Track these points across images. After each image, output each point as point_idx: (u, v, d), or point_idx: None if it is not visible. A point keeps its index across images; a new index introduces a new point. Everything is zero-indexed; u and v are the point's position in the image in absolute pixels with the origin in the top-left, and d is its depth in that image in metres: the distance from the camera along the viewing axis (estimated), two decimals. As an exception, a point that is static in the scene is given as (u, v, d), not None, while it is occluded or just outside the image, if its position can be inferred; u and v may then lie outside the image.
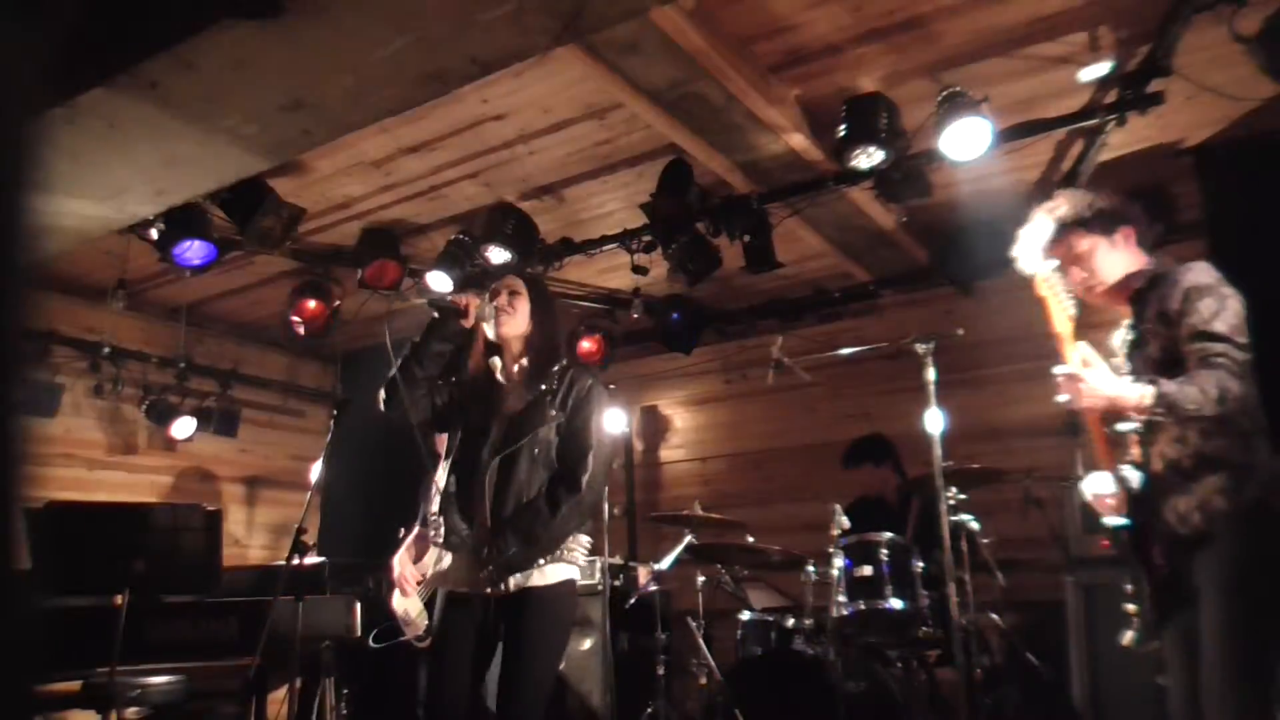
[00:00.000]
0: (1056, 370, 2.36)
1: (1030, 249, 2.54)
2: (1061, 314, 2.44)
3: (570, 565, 2.76)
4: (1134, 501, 2.35)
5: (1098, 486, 2.47)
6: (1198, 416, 2.16)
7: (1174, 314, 2.28)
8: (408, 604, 3.02)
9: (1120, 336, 2.51)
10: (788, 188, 4.37)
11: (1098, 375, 2.32)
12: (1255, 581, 2.14)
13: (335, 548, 5.62)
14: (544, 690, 2.67)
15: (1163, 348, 2.31)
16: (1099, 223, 2.46)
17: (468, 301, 2.81)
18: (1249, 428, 2.20)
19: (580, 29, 2.47)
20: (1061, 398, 2.35)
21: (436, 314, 2.85)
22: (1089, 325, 2.52)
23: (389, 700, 4.55)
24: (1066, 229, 2.47)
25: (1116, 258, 2.46)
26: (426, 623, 2.97)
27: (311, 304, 5.25)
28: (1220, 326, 2.21)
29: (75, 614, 3.23)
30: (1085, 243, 2.46)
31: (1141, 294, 2.42)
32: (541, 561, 2.68)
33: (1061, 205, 2.51)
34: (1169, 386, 2.16)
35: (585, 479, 2.74)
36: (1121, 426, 2.38)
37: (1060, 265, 2.49)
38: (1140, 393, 2.19)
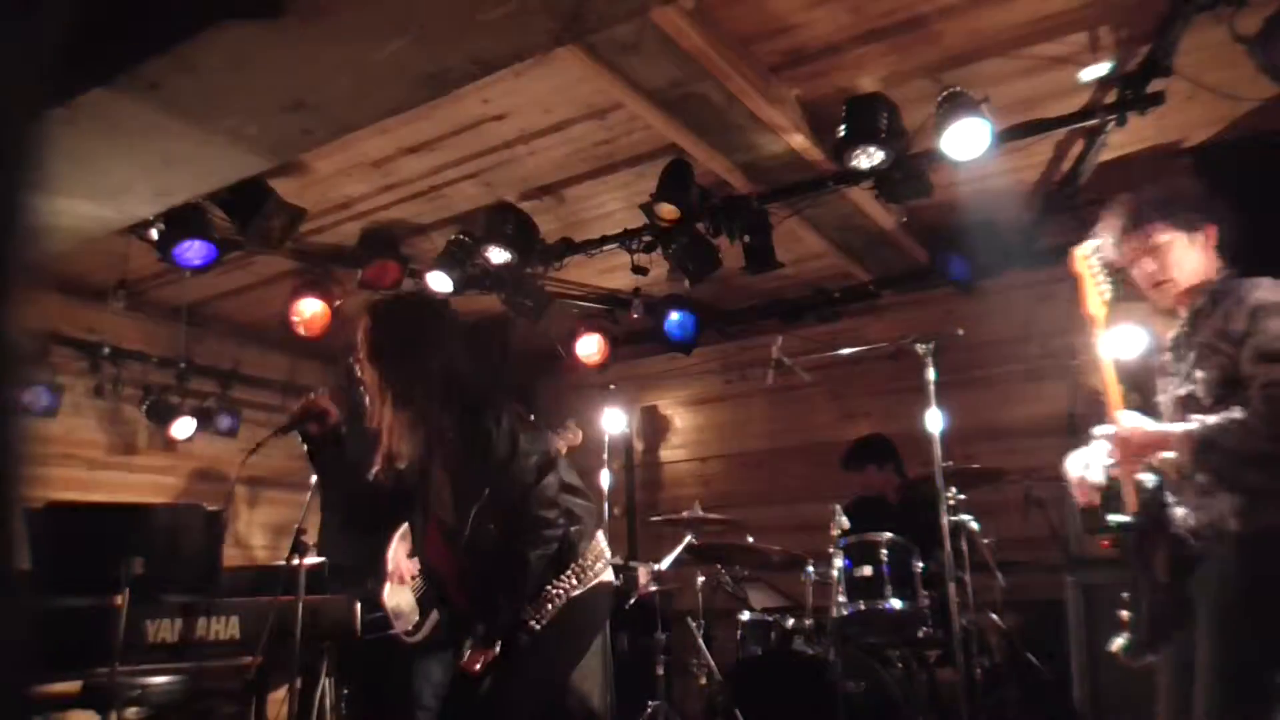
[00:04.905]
0: (1099, 432, 2.30)
1: (1108, 234, 2.41)
2: (1095, 296, 2.33)
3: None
4: (1144, 505, 2.30)
5: (1080, 466, 2.38)
6: (1239, 456, 2.10)
7: (1238, 334, 2.16)
8: (400, 597, 3.02)
9: (1142, 343, 2.42)
10: (788, 188, 4.37)
11: (1137, 421, 2.24)
12: (1257, 606, 2.09)
13: (335, 548, 5.62)
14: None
15: (1222, 368, 2.19)
16: (1183, 216, 2.32)
17: (322, 407, 2.64)
18: (1274, 451, 2.09)
19: (580, 29, 2.46)
20: (1108, 462, 2.28)
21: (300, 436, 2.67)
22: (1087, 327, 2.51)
23: (388, 700, 4.55)
24: (1149, 217, 2.33)
25: (1193, 258, 2.33)
26: (418, 618, 2.97)
27: (311, 304, 5.25)
28: None
29: (75, 614, 3.22)
30: (1166, 236, 2.31)
31: (1202, 310, 2.30)
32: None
33: (1144, 193, 2.37)
34: (1210, 427, 2.09)
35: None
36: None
37: (1131, 255, 2.37)
38: (1181, 432, 2.14)
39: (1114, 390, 2.33)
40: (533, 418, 2.65)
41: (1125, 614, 2.32)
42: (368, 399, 2.62)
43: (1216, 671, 2.09)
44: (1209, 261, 2.35)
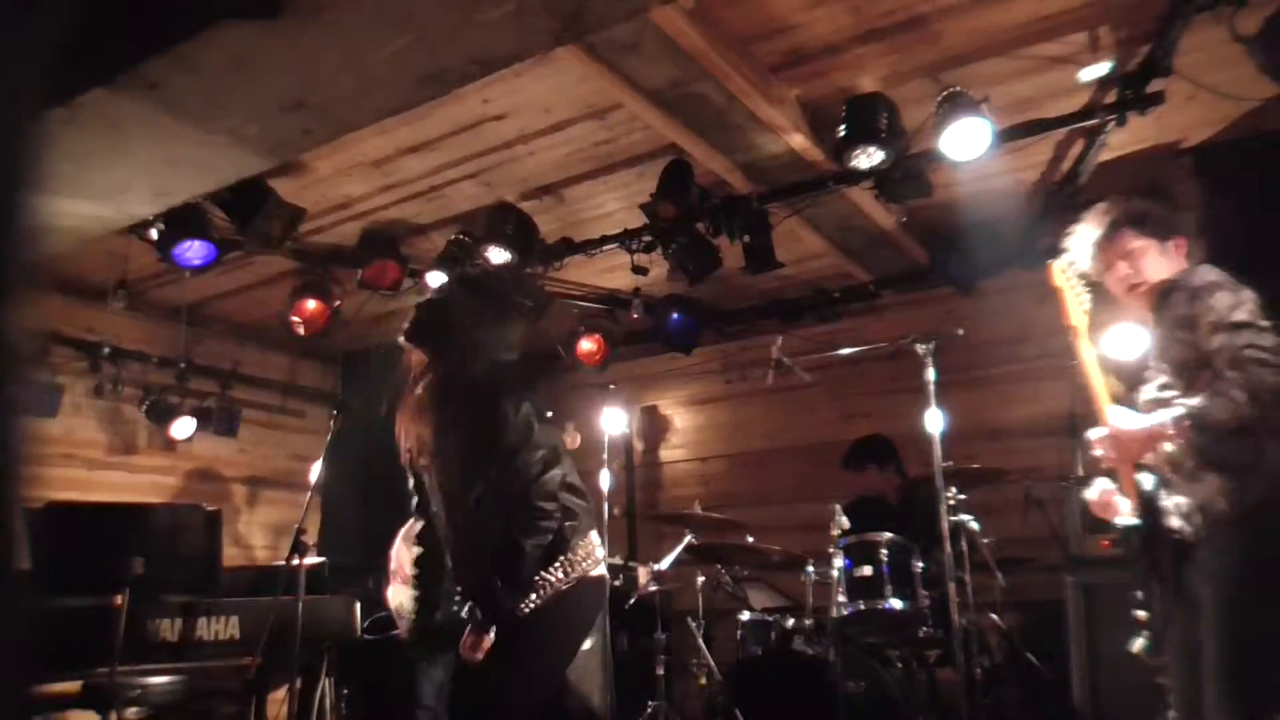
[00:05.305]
0: (1092, 435, 2.35)
1: (1082, 244, 2.53)
2: (1076, 306, 2.42)
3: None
4: (1145, 504, 2.32)
5: (1102, 486, 2.46)
6: (1234, 425, 2.13)
7: (1189, 316, 2.25)
8: (403, 596, 3.03)
9: (1140, 342, 2.48)
10: (788, 188, 4.37)
11: (1129, 419, 2.29)
12: (1256, 586, 2.11)
13: (335, 548, 5.62)
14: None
15: (1184, 354, 2.27)
16: (1155, 226, 2.45)
17: None
18: (1259, 428, 2.14)
19: (580, 29, 2.46)
20: (1101, 457, 2.34)
21: None
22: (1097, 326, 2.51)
23: (388, 700, 4.55)
24: (1122, 226, 2.46)
25: (1163, 265, 2.44)
26: None
27: (311, 304, 5.24)
28: (1241, 315, 2.18)
29: (75, 614, 3.23)
30: (1139, 242, 2.44)
31: (1159, 305, 2.40)
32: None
33: (1118, 204, 2.50)
34: (1196, 404, 2.15)
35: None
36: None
37: (1105, 262, 2.48)
38: (1170, 417, 2.18)
39: (1101, 393, 2.36)
40: (550, 414, 2.70)
41: (1142, 614, 2.32)
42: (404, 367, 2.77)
43: (1220, 669, 2.11)
44: (1174, 268, 2.44)
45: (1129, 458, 2.31)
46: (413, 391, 2.74)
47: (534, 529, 2.52)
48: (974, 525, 4.02)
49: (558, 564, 2.59)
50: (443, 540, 2.79)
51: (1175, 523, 2.24)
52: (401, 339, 2.77)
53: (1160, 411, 2.24)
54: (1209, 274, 2.30)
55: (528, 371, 2.78)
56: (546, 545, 2.55)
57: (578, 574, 2.63)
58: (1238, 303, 2.21)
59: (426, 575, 2.84)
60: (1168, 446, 2.27)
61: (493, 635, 2.50)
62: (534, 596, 2.55)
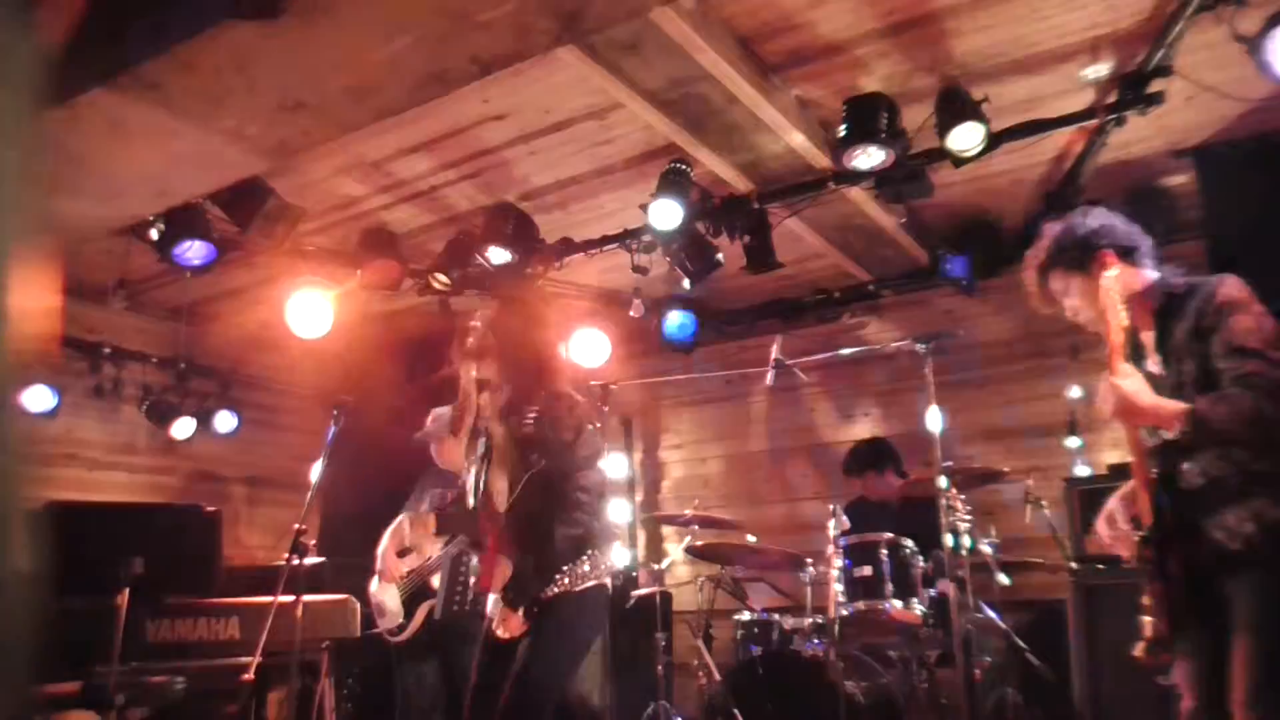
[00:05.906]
0: (1105, 381, 2.32)
1: (1033, 295, 2.60)
2: (1117, 323, 2.39)
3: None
4: (1160, 515, 2.29)
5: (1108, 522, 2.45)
6: (1229, 434, 2.14)
7: (1208, 329, 2.23)
8: (386, 594, 3.04)
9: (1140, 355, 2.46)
10: (788, 188, 4.37)
11: (1140, 388, 2.27)
12: None
13: (335, 548, 5.61)
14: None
15: (1199, 365, 2.25)
16: (1068, 259, 2.47)
17: None
18: (1263, 432, 2.13)
19: (580, 29, 2.47)
20: (1104, 405, 2.31)
21: None
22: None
23: (385, 700, 4.55)
24: (1044, 274, 2.53)
25: (1108, 284, 2.39)
26: (402, 619, 3.00)
27: (311, 304, 5.22)
28: (1255, 343, 2.16)
29: (75, 614, 3.22)
30: (1060, 282, 2.50)
31: (1165, 311, 2.37)
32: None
33: (1039, 250, 2.55)
34: (1201, 404, 2.15)
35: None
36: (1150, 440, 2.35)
37: (1049, 301, 2.54)
38: (1176, 408, 2.18)
39: (1118, 341, 2.31)
40: (598, 424, 2.81)
41: (1147, 619, 2.31)
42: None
43: (1259, 675, 2.09)
44: (1131, 275, 2.41)
45: (1122, 417, 2.29)
46: (472, 398, 2.89)
47: (569, 519, 2.64)
48: (974, 526, 4.02)
49: (585, 558, 2.70)
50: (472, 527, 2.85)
51: (1220, 537, 2.21)
52: (466, 355, 2.90)
53: (1171, 401, 2.23)
54: (1236, 290, 2.27)
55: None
56: (576, 538, 2.66)
57: (598, 576, 2.73)
58: (1255, 328, 2.20)
59: None
60: (1163, 433, 2.29)
61: (521, 616, 2.57)
62: (559, 583, 2.63)
